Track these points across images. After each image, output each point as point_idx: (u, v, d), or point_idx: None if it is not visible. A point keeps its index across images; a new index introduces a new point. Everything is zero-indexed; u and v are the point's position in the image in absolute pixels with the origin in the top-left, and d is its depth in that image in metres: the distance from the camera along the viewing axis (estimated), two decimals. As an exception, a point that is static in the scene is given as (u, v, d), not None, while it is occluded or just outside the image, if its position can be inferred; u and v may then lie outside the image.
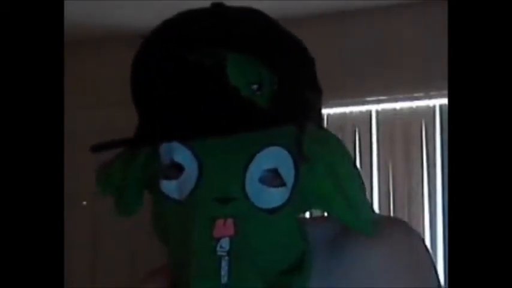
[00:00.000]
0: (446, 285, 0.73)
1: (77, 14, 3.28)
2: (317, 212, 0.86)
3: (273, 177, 0.72)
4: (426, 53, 3.16)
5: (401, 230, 0.80)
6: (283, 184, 0.72)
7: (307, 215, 0.83)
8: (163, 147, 0.73)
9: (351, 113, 3.40)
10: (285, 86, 0.71)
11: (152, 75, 0.72)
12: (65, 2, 0.80)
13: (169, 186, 0.73)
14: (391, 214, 3.23)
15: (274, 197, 0.72)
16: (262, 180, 0.72)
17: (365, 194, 0.78)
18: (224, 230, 0.69)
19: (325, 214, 0.79)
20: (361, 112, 3.39)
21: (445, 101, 3.22)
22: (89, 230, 3.68)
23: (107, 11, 3.38)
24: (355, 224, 0.75)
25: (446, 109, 3.21)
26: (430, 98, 3.26)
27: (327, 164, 0.74)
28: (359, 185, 0.77)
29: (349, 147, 3.32)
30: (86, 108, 3.47)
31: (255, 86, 0.70)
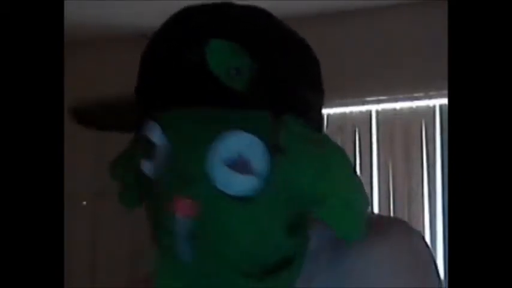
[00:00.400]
0: (447, 284, 0.73)
1: (77, 14, 3.28)
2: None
3: (241, 164, 0.71)
4: (426, 53, 3.16)
5: (402, 230, 0.79)
6: (250, 172, 0.71)
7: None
8: (144, 127, 0.74)
9: (351, 113, 3.41)
10: (265, 74, 0.72)
11: (148, 63, 0.76)
12: (65, 2, 0.80)
13: (147, 166, 0.74)
14: (391, 214, 3.23)
15: (241, 183, 0.71)
16: (229, 165, 0.71)
17: (362, 199, 0.75)
18: (181, 208, 0.70)
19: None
20: (361, 112, 3.39)
21: (445, 101, 3.22)
22: (89, 230, 3.68)
23: (107, 11, 3.38)
24: (341, 232, 0.74)
25: (446, 109, 3.21)
26: (430, 98, 3.27)
27: (319, 167, 0.73)
28: (354, 190, 0.75)
29: (349, 147, 3.32)
30: (86, 108, 3.47)
31: (233, 71, 0.71)
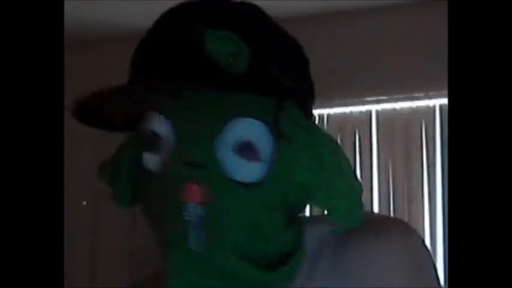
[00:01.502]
0: (446, 285, 0.73)
1: (77, 14, 3.28)
2: (316, 212, 0.86)
3: (248, 150, 0.72)
4: (426, 53, 3.16)
5: (401, 230, 0.80)
6: (257, 158, 0.72)
7: (307, 214, 0.83)
8: (145, 119, 0.74)
9: (351, 113, 3.41)
10: (264, 61, 0.73)
11: (145, 54, 0.75)
12: (65, 2, 0.80)
13: (149, 160, 0.74)
14: (391, 214, 3.23)
15: (248, 170, 0.72)
16: (237, 152, 0.72)
17: (355, 188, 0.76)
18: (192, 195, 0.70)
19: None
20: (361, 112, 3.39)
21: (445, 101, 3.22)
22: (89, 230, 3.68)
23: (107, 11, 3.38)
24: (339, 217, 0.74)
25: (446, 109, 3.21)
26: (430, 98, 3.27)
27: (317, 155, 0.74)
28: (348, 179, 0.76)
29: (349, 147, 3.32)
30: (86, 108, 3.47)
31: (231, 58, 0.71)
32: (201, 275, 0.70)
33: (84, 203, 3.57)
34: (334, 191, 0.74)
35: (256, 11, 0.78)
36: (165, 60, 0.72)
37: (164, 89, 0.72)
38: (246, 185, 0.72)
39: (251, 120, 0.72)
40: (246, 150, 0.72)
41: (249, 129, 0.72)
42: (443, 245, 3.15)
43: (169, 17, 0.77)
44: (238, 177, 0.71)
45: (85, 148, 3.32)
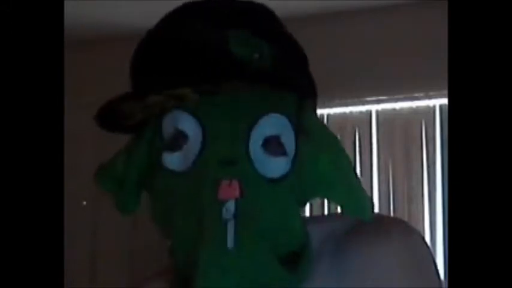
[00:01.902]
0: (447, 284, 0.73)
1: (77, 14, 3.28)
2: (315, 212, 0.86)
3: (275, 146, 0.73)
4: (426, 53, 3.16)
5: (402, 230, 0.80)
6: (284, 153, 0.73)
7: (307, 213, 0.84)
8: (167, 118, 0.74)
9: (351, 113, 3.40)
10: (284, 59, 0.74)
11: (164, 45, 0.74)
12: (65, 2, 0.80)
13: (172, 159, 0.73)
14: (391, 214, 3.23)
15: (276, 165, 0.73)
16: (266, 147, 0.72)
17: (361, 183, 0.78)
18: (229, 192, 0.69)
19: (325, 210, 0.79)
20: (361, 112, 3.39)
21: (445, 101, 3.22)
22: (89, 230, 3.68)
23: (107, 11, 3.38)
24: (354, 210, 0.75)
25: (446, 109, 3.21)
26: (430, 98, 3.27)
27: (332, 152, 0.75)
28: (356, 175, 0.78)
29: (349, 147, 3.32)
30: (86, 108, 3.47)
31: (256, 55, 0.72)
32: (233, 273, 0.69)
33: (84, 203, 3.57)
34: (349, 187, 0.75)
35: (265, 9, 0.79)
36: (191, 59, 0.72)
37: (196, 87, 0.71)
38: (273, 180, 0.72)
39: (278, 115, 0.73)
40: (274, 145, 0.73)
41: (277, 124, 0.73)
42: (443, 244, 3.15)
43: (183, 16, 0.76)
44: (268, 173, 0.72)
45: (85, 148, 3.32)
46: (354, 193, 0.75)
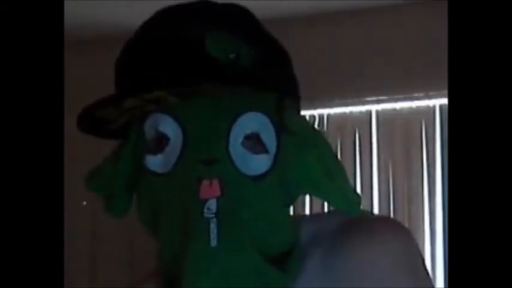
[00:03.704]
0: (447, 284, 0.73)
1: (77, 14, 3.28)
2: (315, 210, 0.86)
3: (255, 143, 0.74)
4: (426, 53, 3.16)
5: (391, 228, 0.80)
6: (265, 151, 0.74)
7: (307, 212, 0.84)
8: (148, 121, 0.74)
9: (351, 113, 3.40)
10: (263, 60, 0.75)
11: (144, 47, 0.76)
12: (65, 2, 0.80)
13: (155, 161, 0.74)
14: (391, 214, 3.23)
15: (257, 163, 0.73)
16: (246, 145, 0.73)
17: (348, 178, 0.79)
18: (210, 191, 0.70)
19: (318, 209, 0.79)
20: (361, 112, 3.39)
21: (445, 101, 3.22)
22: (89, 230, 3.68)
23: (107, 11, 3.38)
24: (341, 205, 0.76)
25: (446, 109, 3.21)
26: (430, 98, 3.26)
27: (316, 149, 0.76)
28: (343, 171, 0.79)
29: (349, 147, 3.32)
30: (86, 108, 3.46)
31: (232, 56, 0.73)
32: (216, 270, 0.69)
33: (84, 203, 3.56)
34: (335, 182, 0.76)
35: (245, 12, 0.79)
36: (167, 61, 0.73)
37: (173, 89, 0.72)
38: (255, 178, 0.73)
39: (257, 113, 0.74)
40: (254, 142, 0.73)
41: (256, 122, 0.74)
42: (443, 244, 3.14)
43: (162, 19, 0.77)
44: (249, 170, 0.73)
45: (85, 149, 3.32)
46: (340, 189, 0.76)
